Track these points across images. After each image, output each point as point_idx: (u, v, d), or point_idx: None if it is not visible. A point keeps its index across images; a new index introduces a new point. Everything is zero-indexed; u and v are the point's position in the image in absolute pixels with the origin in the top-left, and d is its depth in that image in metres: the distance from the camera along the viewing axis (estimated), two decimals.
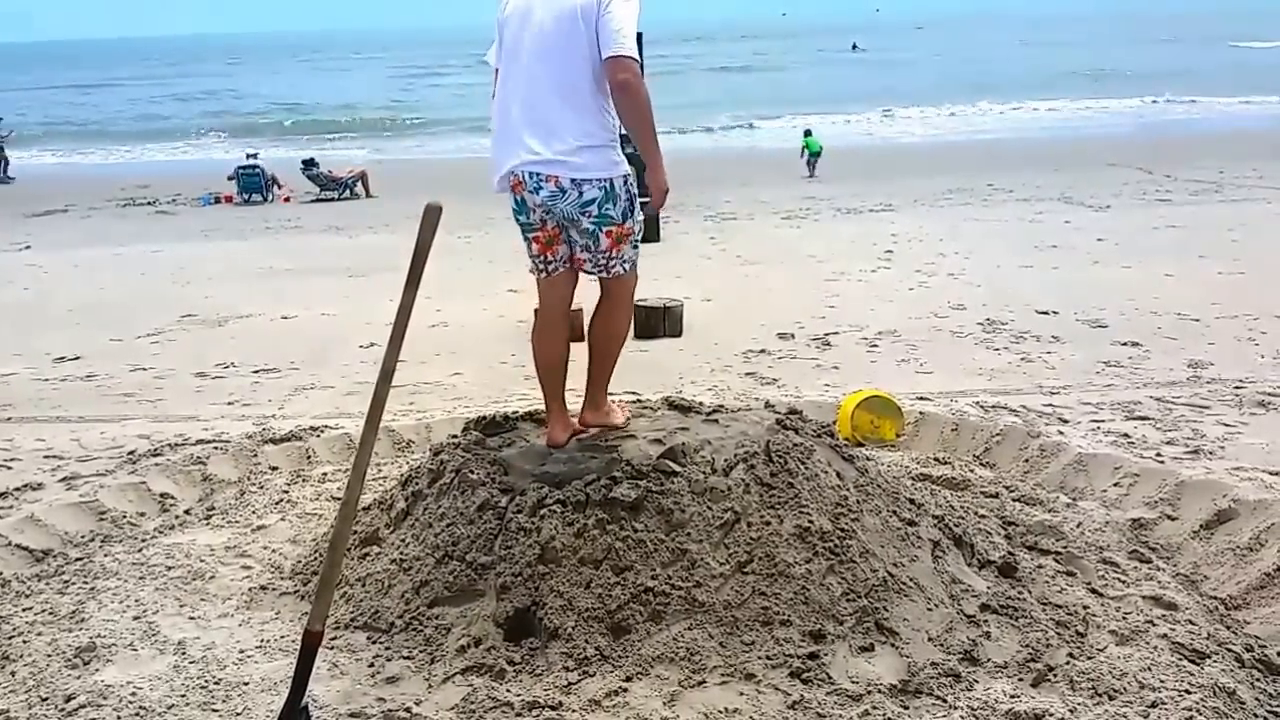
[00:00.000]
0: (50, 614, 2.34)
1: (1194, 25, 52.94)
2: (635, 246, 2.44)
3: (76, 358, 5.02)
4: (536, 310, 2.57)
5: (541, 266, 2.46)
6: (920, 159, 14.31)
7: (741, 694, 1.94)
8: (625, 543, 2.18)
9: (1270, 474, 2.89)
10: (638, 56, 2.27)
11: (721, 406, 2.94)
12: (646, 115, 2.28)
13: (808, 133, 13.73)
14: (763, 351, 4.69)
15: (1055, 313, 5.20)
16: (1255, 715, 1.88)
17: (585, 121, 2.27)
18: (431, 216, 1.77)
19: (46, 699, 1.99)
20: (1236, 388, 3.83)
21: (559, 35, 2.26)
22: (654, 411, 2.72)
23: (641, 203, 2.46)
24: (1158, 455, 3.10)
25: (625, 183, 2.35)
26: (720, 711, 1.89)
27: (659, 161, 2.36)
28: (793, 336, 4.94)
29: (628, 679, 1.98)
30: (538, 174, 2.30)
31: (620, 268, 2.42)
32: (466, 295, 6.21)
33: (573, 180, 2.28)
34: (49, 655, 2.15)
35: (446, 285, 6.30)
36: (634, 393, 3.72)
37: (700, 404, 2.87)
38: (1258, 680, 1.98)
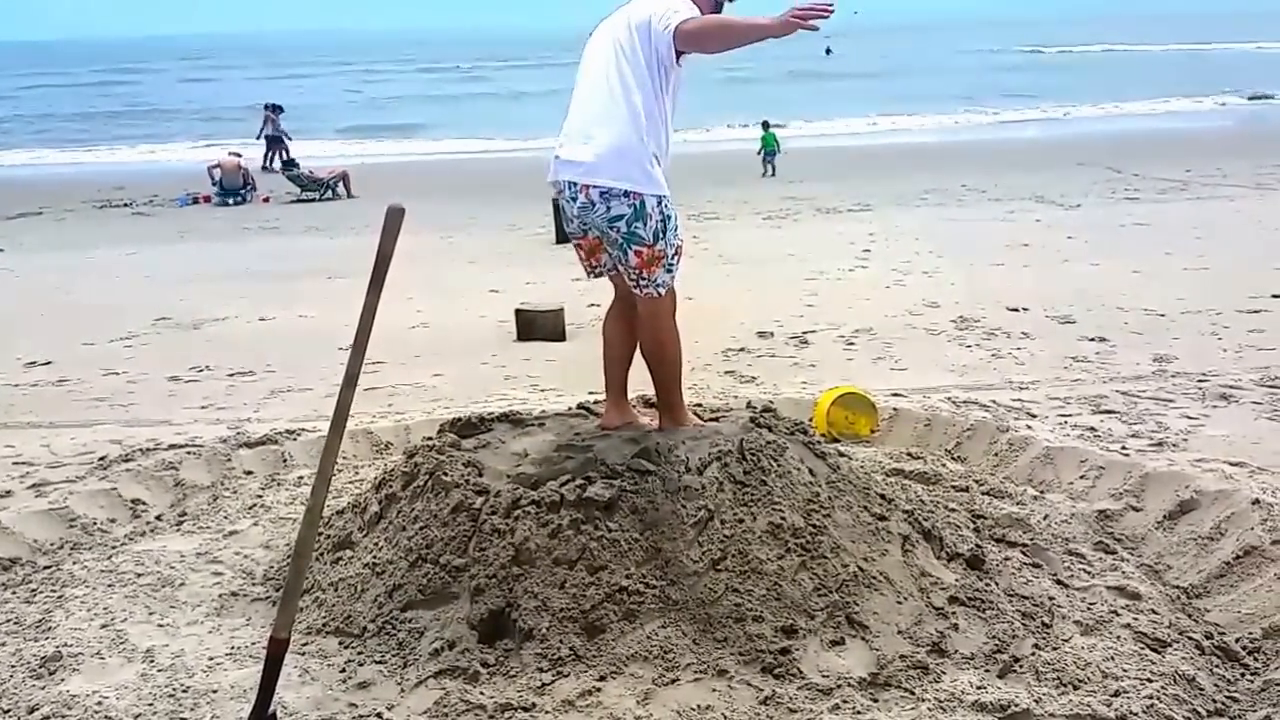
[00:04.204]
0: (15, 623, 2.31)
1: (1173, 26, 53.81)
2: (669, 270, 2.38)
3: (48, 363, 4.93)
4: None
5: (588, 269, 2.50)
6: (897, 161, 14.39)
7: (714, 691, 1.95)
8: (600, 542, 2.19)
9: (1231, 465, 2.95)
10: (693, 14, 2.19)
11: (699, 405, 2.95)
12: (726, 30, 2.19)
13: (766, 125, 13.09)
14: (742, 350, 4.71)
15: (1025, 309, 5.27)
16: (1214, 701, 1.92)
17: (623, 132, 2.24)
18: (393, 219, 1.76)
19: (9, 711, 1.96)
20: (1200, 381, 3.90)
21: (621, 46, 2.26)
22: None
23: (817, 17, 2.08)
24: (1123, 448, 3.16)
25: (660, 204, 2.31)
26: (693, 709, 1.91)
27: (767, 28, 2.11)
28: (772, 335, 4.97)
29: (601, 678, 2.00)
30: (574, 183, 2.31)
31: (652, 290, 2.38)
32: (447, 296, 6.19)
33: (601, 194, 2.27)
34: (13, 666, 2.12)
35: (427, 286, 6.27)
36: None
37: None
38: (1216, 667, 2.03)
